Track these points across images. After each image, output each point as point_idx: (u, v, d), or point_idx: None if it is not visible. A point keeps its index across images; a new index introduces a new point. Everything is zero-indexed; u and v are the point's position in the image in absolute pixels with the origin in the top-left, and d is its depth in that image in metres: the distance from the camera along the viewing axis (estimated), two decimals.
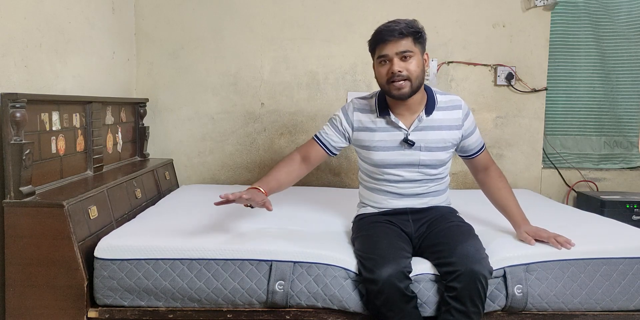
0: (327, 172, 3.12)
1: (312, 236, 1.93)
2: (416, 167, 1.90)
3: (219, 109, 3.08)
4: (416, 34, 1.80)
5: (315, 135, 2.00)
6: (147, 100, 2.99)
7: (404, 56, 1.78)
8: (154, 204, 2.41)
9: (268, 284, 1.74)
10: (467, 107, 1.95)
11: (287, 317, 1.76)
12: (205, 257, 1.75)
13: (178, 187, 2.97)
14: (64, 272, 1.71)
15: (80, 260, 1.71)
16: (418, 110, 1.89)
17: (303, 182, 3.08)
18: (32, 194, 1.77)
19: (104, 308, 1.75)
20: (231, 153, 3.11)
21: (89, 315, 1.74)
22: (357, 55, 3.04)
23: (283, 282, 1.73)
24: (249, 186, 1.85)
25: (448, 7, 3.06)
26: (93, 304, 1.76)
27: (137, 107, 2.92)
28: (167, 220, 2.08)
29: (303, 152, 1.99)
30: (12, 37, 1.85)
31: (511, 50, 3.10)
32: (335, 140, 1.96)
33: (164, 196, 2.61)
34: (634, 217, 2.83)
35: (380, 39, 1.80)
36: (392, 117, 1.89)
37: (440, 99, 1.92)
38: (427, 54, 1.86)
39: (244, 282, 1.75)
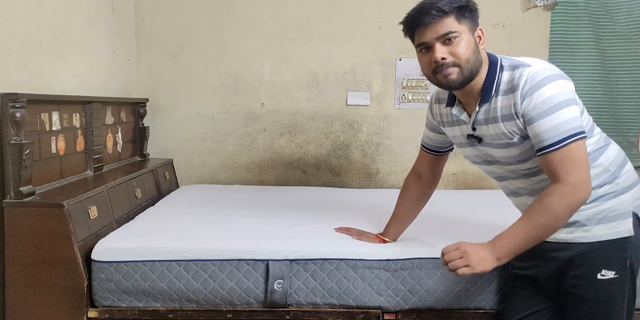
0: (327, 172, 3.12)
1: (308, 234, 1.92)
2: (499, 164, 1.53)
3: (219, 109, 3.08)
4: (459, 9, 1.40)
5: (422, 144, 1.80)
6: (147, 100, 3.00)
7: (447, 39, 1.40)
8: (153, 204, 2.41)
9: (266, 283, 1.74)
10: (531, 83, 1.38)
11: (287, 317, 1.76)
12: (201, 258, 1.75)
13: (178, 187, 2.97)
14: (63, 272, 1.71)
15: (80, 260, 1.71)
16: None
17: (303, 182, 3.09)
18: (32, 194, 1.77)
19: (104, 308, 1.75)
20: (231, 153, 3.11)
21: (88, 315, 1.74)
22: (357, 55, 3.04)
23: (282, 281, 1.74)
24: (376, 235, 1.86)
25: None
26: (93, 304, 1.76)
27: (137, 107, 2.92)
28: (165, 221, 2.08)
29: (415, 169, 1.82)
30: (12, 37, 1.85)
31: (511, 50, 3.07)
32: (439, 139, 1.73)
33: (164, 196, 2.62)
34: None
35: (415, 23, 1.43)
36: (454, 109, 1.55)
37: (504, 78, 1.45)
38: (480, 29, 1.46)
39: (241, 282, 1.75)
